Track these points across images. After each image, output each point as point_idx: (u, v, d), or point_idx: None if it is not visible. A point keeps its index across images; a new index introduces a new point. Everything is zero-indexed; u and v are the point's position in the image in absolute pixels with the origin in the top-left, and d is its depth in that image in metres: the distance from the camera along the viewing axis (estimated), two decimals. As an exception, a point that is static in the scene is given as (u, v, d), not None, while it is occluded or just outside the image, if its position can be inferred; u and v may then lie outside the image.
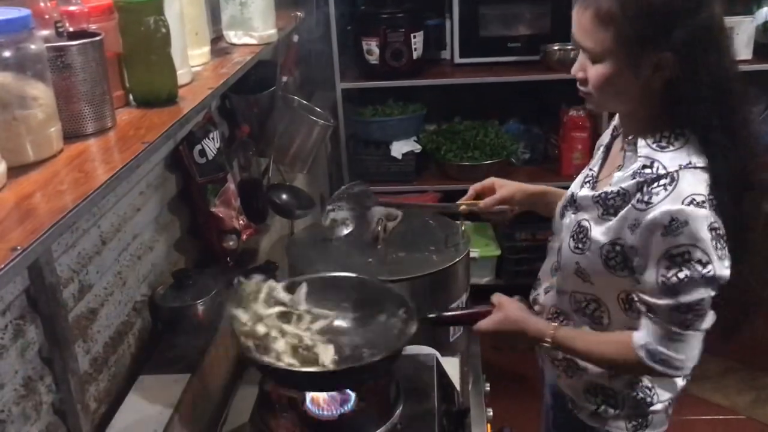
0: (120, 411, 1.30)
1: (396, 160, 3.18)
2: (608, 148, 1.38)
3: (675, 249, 1.14)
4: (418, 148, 3.23)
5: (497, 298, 1.41)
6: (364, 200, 1.63)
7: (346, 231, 1.50)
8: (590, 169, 1.39)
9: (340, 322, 1.43)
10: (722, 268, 1.15)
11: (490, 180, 1.60)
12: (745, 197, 1.18)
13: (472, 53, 3.16)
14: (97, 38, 1.03)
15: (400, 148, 3.19)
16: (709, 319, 1.20)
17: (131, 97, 1.20)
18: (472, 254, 3.17)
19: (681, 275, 1.15)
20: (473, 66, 3.15)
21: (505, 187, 1.57)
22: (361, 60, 3.10)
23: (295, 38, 2.07)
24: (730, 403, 2.76)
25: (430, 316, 1.43)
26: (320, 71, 3.09)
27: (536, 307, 1.49)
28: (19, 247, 0.71)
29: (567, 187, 1.45)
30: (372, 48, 3.04)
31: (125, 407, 1.31)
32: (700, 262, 1.14)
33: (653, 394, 1.37)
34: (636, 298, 1.24)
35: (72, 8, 1.06)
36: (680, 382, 1.40)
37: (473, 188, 1.60)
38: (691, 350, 1.22)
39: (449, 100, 3.42)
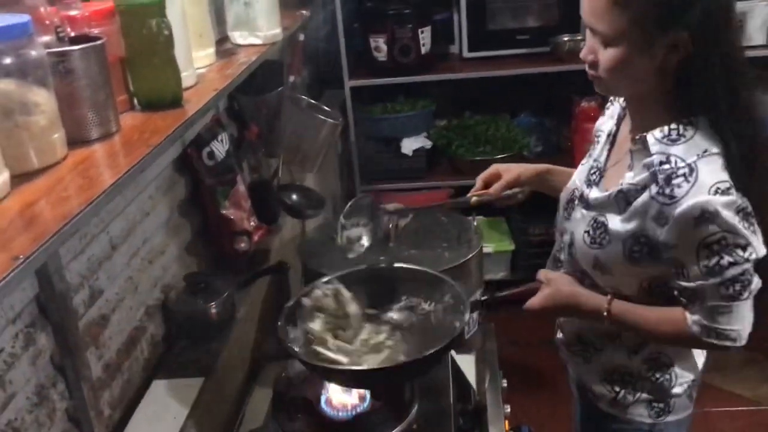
0: (134, 417, 1.30)
1: (406, 157, 3.17)
2: (613, 136, 1.36)
3: (711, 237, 1.14)
4: (428, 144, 3.21)
5: (544, 274, 1.37)
6: (375, 212, 1.61)
7: (363, 247, 1.47)
8: (595, 161, 1.36)
9: (392, 315, 1.42)
10: (760, 245, 1.16)
11: (494, 167, 1.59)
12: (754, 178, 1.18)
13: (480, 47, 3.14)
14: (99, 42, 1.02)
15: (410, 145, 3.17)
16: (756, 285, 1.19)
17: (135, 100, 1.19)
18: (485, 250, 3.17)
19: (723, 262, 1.15)
20: (482, 60, 3.13)
21: (510, 171, 1.56)
22: (369, 57, 3.08)
23: (301, 37, 2.06)
24: (752, 395, 2.72)
25: (483, 298, 1.41)
26: (328, 70, 3.08)
27: None
28: (21, 256, 0.70)
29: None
30: (379, 44, 3.02)
31: (139, 413, 1.31)
32: (739, 246, 1.14)
33: (672, 376, 1.36)
34: (678, 288, 1.22)
35: (73, 13, 1.05)
36: (701, 362, 1.38)
37: (480, 179, 1.59)
38: (743, 318, 1.20)
39: (459, 94, 3.40)
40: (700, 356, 1.38)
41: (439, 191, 3.20)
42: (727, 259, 1.14)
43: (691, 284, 1.19)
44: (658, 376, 1.36)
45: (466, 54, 3.15)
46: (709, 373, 1.45)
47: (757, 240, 1.15)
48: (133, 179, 0.96)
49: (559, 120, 3.28)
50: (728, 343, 1.22)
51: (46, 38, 0.99)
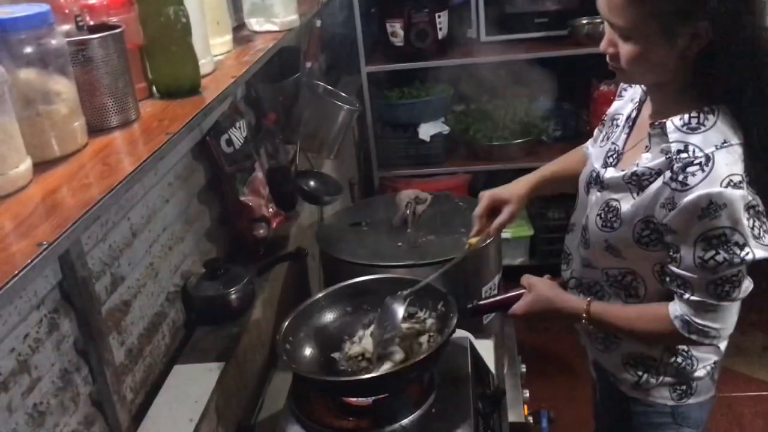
0: (156, 400, 1.31)
1: (424, 143, 3.16)
2: (633, 120, 1.35)
3: (712, 231, 1.13)
4: (446, 129, 3.19)
5: (527, 279, 1.41)
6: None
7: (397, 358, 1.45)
8: (613, 143, 1.35)
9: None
10: (761, 247, 1.14)
11: (488, 198, 1.49)
12: None
13: (498, 31, 3.11)
14: (117, 31, 1.03)
15: (427, 131, 3.16)
16: (746, 287, 1.19)
17: (154, 88, 1.20)
18: (504, 235, 3.17)
19: (719, 258, 1.15)
20: (500, 44, 3.10)
21: (510, 203, 1.48)
22: (386, 42, 3.07)
23: (318, 23, 2.06)
24: (773, 379, 2.70)
25: (469, 306, 1.43)
26: (345, 56, 3.07)
27: (571, 282, 1.47)
28: (45, 242, 0.71)
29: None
30: (396, 30, 3.00)
31: (161, 397, 1.33)
32: (737, 244, 1.13)
33: (693, 360, 1.36)
34: (669, 273, 1.23)
35: (91, 2, 1.06)
36: (723, 344, 1.37)
37: (477, 218, 1.48)
38: (727, 319, 1.21)
39: (477, 79, 3.37)
40: (726, 338, 1.37)
41: (457, 176, 3.19)
42: (722, 255, 1.14)
43: (682, 272, 1.19)
44: (680, 360, 1.35)
45: (483, 38, 3.12)
46: (731, 358, 1.45)
47: (757, 243, 1.14)
48: (153, 166, 0.96)
49: (578, 104, 3.25)
50: (707, 341, 1.23)
51: (65, 27, 1.00)
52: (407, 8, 2.96)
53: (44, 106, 0.90)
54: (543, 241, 3.24)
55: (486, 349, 1.62)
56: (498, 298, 1.46)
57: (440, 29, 3.01)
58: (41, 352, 1.03)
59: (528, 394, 1.73)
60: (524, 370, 1.87)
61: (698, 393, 1.39)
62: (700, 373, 1.37)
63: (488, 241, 1.69)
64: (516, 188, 1.51)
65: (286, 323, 1.40)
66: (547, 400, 2.01)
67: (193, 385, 1.35)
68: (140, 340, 1.34)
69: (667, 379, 1.38)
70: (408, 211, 1.87)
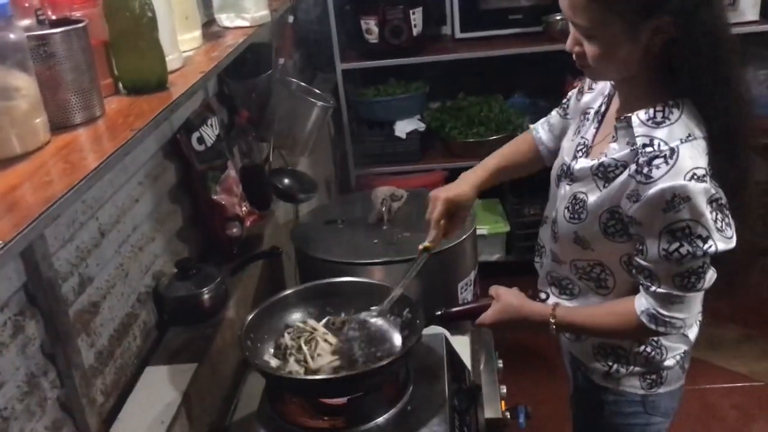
0: (127, 404, 1.29)
1: (400, 140, 3.15)
2: (602, 115, 1.36)
3: (676, 224, 1.15)
4: (422, 126, 3.19)
5: (495, 290, 1.41)
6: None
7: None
8: (582, 137, 1.37)
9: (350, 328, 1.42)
10: (723, 240, 1.16)
11: (442, 202, 1.45)
12: (738, 157, 1.19)
13: (473, 27, 3.11)
14: (80, 25, 1.00)
15: (404, 128, 3.15)
16: (710, 277, 1.21)
17: (120, 84, 1.17)
18: (481, 232, 3.17)
19: (683, 250, 1.16)
20: (475, 40, 3.11)
21: (460, 204, 1.47)
22: (361, 39, 3.06)
23: (291, 19, 2.04)
24: (748, 371, 2.73)
25: (437, 314, 1.43)
26: (320, 53, 3.06)
27: (546, 279, 1.47)
28: (1, 242, 0.69)
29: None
30: (371, 27, 2.99)
31: (133, 400, 1.30)
32: (700, 237, 1.15)
33: (662, 349, 1.37)
34: (636, 264, 1.24)
35: (53, -5, 1.03)
36: (692, 334, 1.39)
37: (434, 221, 1.46)
38: (692, 309, 1.23)
39: (452, 76, 3.37)
40: (692, 326, 1.38)
41: (433, 173, 3.19)
42: (686, 247, 1.15)
43: (648, 264, 1.21)
44: (649, 350, 1.37)
45: (458, 35, 3.13)
46: (704, 350, 1.46)
47: (720, 236, 1.15)
48: (118, 163, 0.94)
49: (553, 100, 3.25)
50: (674, 332, 1.25)
51: (26, 22, 0.97)
52: (381, 5, 2.95)
53: (3, 102, 0.87)
54: (519, 238, 3.25)
55: (462, 345, 1.62)
56: (466, 306, 1.47)
57: (415, 26, 3.00)
58: (5, 356, 1.01)
59: (505, 390, 1.72)
60: (501, 365, 1.86)
61: (668, 382, 1.41)
62: (669, 362, 1.38)
63: (467, 234, 1.70)
64: (466, 189, 1.50)
65: (249, 319, 1.39)
66: (525, 396, 2.01)
67: (165, 387, 1.32)
68: (110, 342, 1.31)
69: (637, 368, 1.39)
70: (383, 208, 1.86)
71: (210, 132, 1.66)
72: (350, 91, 3.16)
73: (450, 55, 3.08)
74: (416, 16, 3.00)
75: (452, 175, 3.19)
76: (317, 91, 2.09)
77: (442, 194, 1.47)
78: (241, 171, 1.87)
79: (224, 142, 1.75)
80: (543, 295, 1.41)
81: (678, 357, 1.39)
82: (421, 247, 1.45)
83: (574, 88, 1.52)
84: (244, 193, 1.79)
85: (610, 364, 1.40)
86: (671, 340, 1.37)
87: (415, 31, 3.01)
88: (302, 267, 1.91)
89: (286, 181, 2.02)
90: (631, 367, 1.39)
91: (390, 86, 3.23)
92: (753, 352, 2.80)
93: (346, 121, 3.15)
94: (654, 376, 1.39)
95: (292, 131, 1.98)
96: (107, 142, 0.96)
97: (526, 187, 3.07)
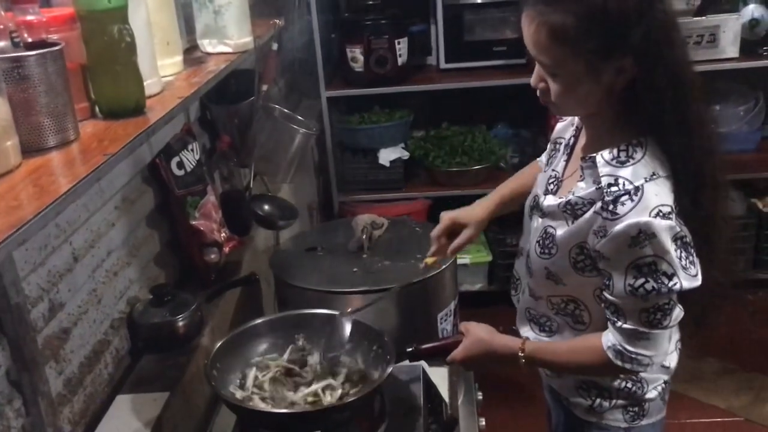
0: (96, 433, 1.26)
1: (384, 168, 3.16)
2: (571, 148, 1.36)
3: (642, 260, 1.15)
4: (405, 154, 3.20)
5: (464, 325, 1.41)
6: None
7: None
8: (553, 170, 1.37)
9: (315, 360, 1.42)
10: (688, 278, 1.16)
11: (447, 219, 1.53)
12: (704, 195, 1.19)
13: (457, 58, 3.14)
14: (56, 48, 0.99)
15: (387, 156, 3.16)
16: (676, 315, 1.21)
17: (97, 108, 1.16)
18: (463, 261, 3.16)
19: (648, 286, 1.16)
20: (459, 71, 3.14)
21: (469, 226, 1.52)
22: (346, 67, 3.08)
23: (275, 46, 2.04)
24: (727, 405, 2.72)
25: (408, 350, 1.41)
26: (305, 80, 3.07)
27: (525, 315, 1.46)
28: (-38, 267, 0.67)
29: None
30: (356, 55, 3.01)
31: (102, 428, 1.27)
32: (665, 274, 1.14)
33: (643, 382, 1.36)
34: (604, 299, 1.24)
35: (30, 18, 1.02)
36: (672, 362, 1.38)
37: (435, 239, 1.53)
38: (659, 346, 1.23)
39: (436, 105, 3.40)
40: (672, 357, 1.38)
41: (416, 202, 3.19)
42: (651, 284, 1.15)
43: (614, 299, 1.21)
44: (630, 385, 1.36)
45: (443, 65, 3.16)
46: (684, 384, 1.45)
47: (685, 274, 1.15)
48: (90, 187, 0.93)
49: (536, 131, 3.29)
50: (641, 369, 1.25)
51: (0, 44, 0.96)
52: (367, 34, 2.97)
53: (-27, 125, 0.86)
54: (501, 267, 3.24)
55: (440, 377, 1.60)
56: (438, 343, 1.46)
57: (400, 56, 3.03)
58: (-33, 383, 0.98)
59: (484, 423, 1.70)
60: (481, 397, 1.84)
61: (650, 414, 1.40)
62: (651, 394, 1.37)
63: (447, 263, 1.71)
64: (476, 212, 1.54)
65: (216, 348, 1.38)
66: (505, 428, 1.99)
67: (135, 416, 1.29)
68: (81, 370, 1.28)
69: (620, 402, 1.38)
70: (364, 236, 1.84)
71: (190, 157, 1.65)
72: (335, 117, 3.16)
73: (434, 84, 3.11)
74: (401, 46, 3.03)
75: (435, 204, 3.21)
76: (300, 117, 2.09)
77: (447, 213, 1.54)
78: (222, 196, 1.86)
79: (205, 167, 1.74)
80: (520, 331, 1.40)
81: (660, 388, 1.38)
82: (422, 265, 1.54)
83: (557, 119, 1.52)
84: (223, 219, 1.77)
85: (593, 398, 1.39)
86: (651, 372, 1.36)
87: (400, 61, 3.03)
88: (280, 295, 1.89)
89: (266, 207, 2.01)
90: (614, 401, 1.38)
91: (374, 114, 3.24)
92: (732, 386, 2.80)
93: (330, 147, 3.15)
94: (636, 408, 1.38)
95: (273, 157, 1.97)
96: (79, 166, 0.95)
97: (508, 216, 3.08)
